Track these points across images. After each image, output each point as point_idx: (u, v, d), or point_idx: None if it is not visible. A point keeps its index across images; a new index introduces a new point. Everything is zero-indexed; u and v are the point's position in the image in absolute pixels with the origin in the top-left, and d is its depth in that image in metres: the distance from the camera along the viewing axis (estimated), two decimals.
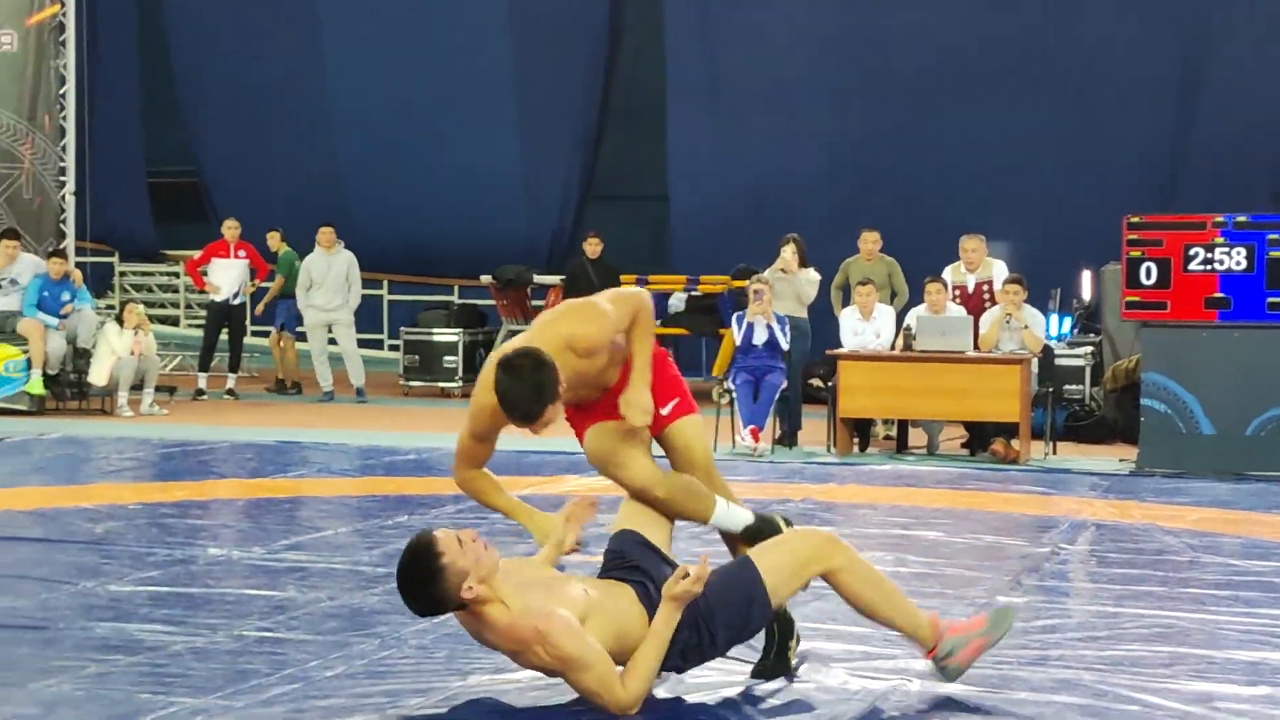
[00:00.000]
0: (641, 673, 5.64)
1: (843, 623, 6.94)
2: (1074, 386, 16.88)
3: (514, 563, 5.88)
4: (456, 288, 24.42)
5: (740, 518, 6.29)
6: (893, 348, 15.04)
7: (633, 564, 5.98)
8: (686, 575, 5.67)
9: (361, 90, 24.97)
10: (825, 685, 6.20)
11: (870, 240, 16.54)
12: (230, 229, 19.92)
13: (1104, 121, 21.36)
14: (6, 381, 17.39)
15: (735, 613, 5.83)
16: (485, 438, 6.17)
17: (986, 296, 15.38)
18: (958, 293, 15.37)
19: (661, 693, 5.98)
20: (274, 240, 20.93)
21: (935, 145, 21.80)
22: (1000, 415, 14.47)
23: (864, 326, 15.36)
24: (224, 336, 20.03)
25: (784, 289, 15.54)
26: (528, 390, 5.70)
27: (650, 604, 5.78)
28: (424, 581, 5.45)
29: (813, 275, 15.85)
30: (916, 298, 15.59)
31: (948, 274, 15.51)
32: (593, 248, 19.66)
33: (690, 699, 5.97)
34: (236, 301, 20.00)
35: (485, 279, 21.42)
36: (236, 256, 19.82)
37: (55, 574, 8.17)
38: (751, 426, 14.70)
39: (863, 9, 22.15)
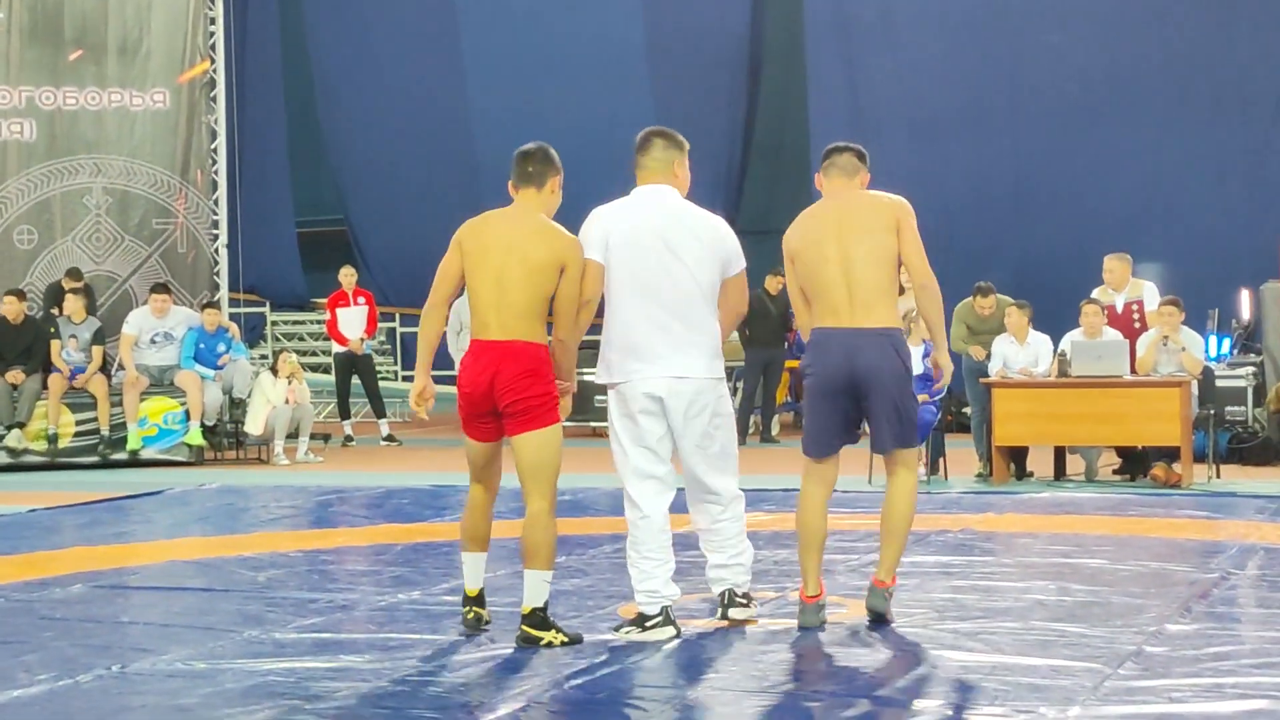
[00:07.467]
0: None
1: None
2: (1236, 408, 16.57)
3: None
4: None
5: None
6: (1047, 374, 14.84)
7: None
8: None
9: (505, 138, 24.82)
10: None
11: (986, 306, 15.75)
12: (347, 276, 20.04)
13: (1257, 138, 21.01)
14: (166, 433, 17.63)
15: None
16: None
17: (1136, 317, 15.11)
18: (1105, 313, 15.06)
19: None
20: None
21: (1084, 169, 21.56)
22: (1161, 439, 14.25)
23: (1018, 351, 15.07)
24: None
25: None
26: None
27: None
28: None
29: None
30: (1071, 322, 15.28)
31: (1095, 295, 15.23)
32: (775, 284, 19.36)
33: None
34: (362, 351, 20.07)
35: None
36: (356, 304, 19.91)
37: (221, 623, 8.21)
38: None
39: (1003, 34, 21.98)
